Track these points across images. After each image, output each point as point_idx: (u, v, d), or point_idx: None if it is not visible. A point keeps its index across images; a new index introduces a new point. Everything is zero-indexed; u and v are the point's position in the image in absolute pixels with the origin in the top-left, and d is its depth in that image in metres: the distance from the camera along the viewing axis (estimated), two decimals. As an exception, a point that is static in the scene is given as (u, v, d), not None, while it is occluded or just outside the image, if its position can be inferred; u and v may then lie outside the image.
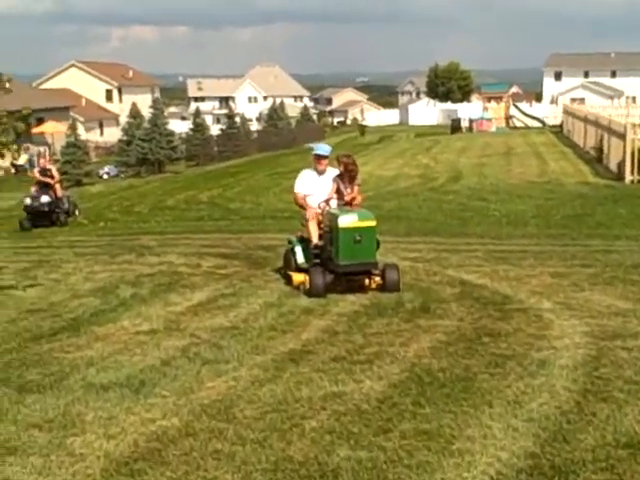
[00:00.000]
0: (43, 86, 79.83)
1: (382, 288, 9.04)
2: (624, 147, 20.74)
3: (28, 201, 19.11)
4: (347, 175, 9.65)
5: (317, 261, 9.40)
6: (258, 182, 27.24)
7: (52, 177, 19.61)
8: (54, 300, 9.66)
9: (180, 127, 54.54)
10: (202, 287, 10.01)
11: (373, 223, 9.00)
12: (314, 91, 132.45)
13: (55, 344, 7.49)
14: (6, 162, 48.33)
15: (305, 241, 9.75)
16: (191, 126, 46.63)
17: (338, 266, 8.89)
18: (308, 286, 8.98)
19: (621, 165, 21.08)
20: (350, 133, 73.24)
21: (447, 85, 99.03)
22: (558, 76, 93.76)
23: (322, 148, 10.18)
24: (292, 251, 9.90)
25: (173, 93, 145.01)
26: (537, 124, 62.48)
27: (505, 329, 7.25)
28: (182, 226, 17.16)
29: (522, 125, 63.04)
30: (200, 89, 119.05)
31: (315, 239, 9.49)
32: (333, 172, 9.92)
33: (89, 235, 16.78)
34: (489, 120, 57.50)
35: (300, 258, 9.71)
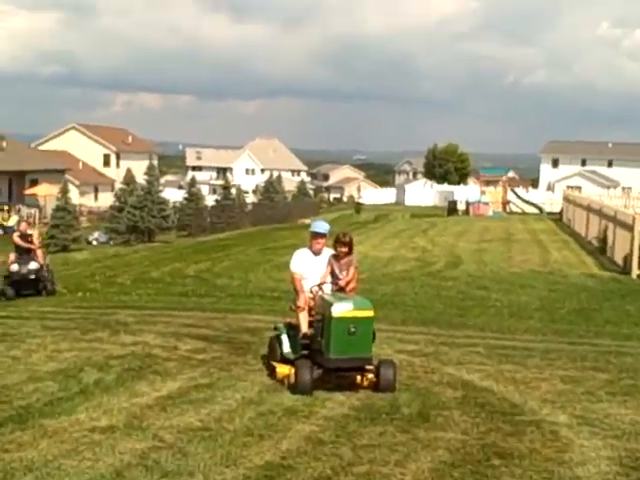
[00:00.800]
0: (42, 147, 79.82)
1: (375, 387, 8.05)
2: (632, 239, 19.92)
3: (15, 267, 17.84)
4: (344, 257, 8.80)
5: (305, 352, 8.44)
6: (248, 257, 26.36)
7: (32, 242, 18.56)
8: (7, 382, 8.60)
9: (176, 196, 54.06)
10: (175, 375, 8.99)
11: (371, 313, 8.06)
12: (312, 166, 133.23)
13: (-5, 440, 6.45)
14: (-5, 223, 47.78)
15: (293, 328, 8.79)
16: (185, 195, 46.04)
17: (328, 360, 7.91)
18: (293, 381, 7.98)
19: (627, 258, 20.26)
20: (346, 210, 72.86)
21: (444, 167, 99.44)
22: (555, 163, 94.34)
23: (320, 226, 9.14)
24: (278, 339, 8.93)
25: (172, 161, 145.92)
26: (534, 210, 62.30)
27: (518, 449, 6.25)
28: (164, 301, 16.17)
29: (519, 210, 62.84)
30: (199, 158, 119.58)
31: (304, 328, 8.54)
32: (329, 253, 9.03)
33: (64, 306, 15.76)
34: (486, 204, 57.14)
35: (286, 348, 8.74)
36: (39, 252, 18.60)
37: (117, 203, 39.48)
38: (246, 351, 10.40)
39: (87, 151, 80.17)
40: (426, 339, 11.60)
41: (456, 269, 21.52)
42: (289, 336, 8.77)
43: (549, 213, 56.32)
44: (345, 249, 8.73)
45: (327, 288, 8.69)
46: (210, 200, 55.55)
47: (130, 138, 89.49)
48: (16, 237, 18.48)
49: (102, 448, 6.18)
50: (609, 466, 5.92)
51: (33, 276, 17.85)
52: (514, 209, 63.42)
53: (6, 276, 17.86)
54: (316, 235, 8.97)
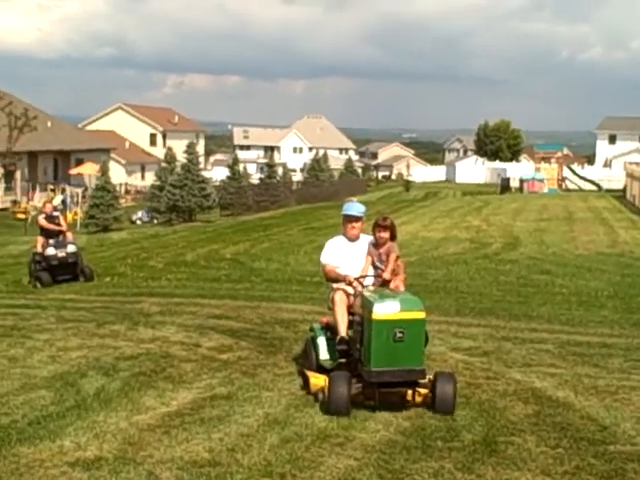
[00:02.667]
0: (89, 127, 79.65)
1: (430, 404, 6.55)
2: None
3: (52, 250, 16.28)
4: (384, 244, 7.36)
5: (343, 361, 6.98)
6: (290, 237, 24.91)
7: (59, 224, 17.24)
8: (-5, 391, 7.36)
9: (224, 174, 52.90)
10: (191, 382, 7.64)
11: (422, 315, 6.52)
12: (360, 145, 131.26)
13: (-48, 476, 5.16)
14: (39, 203, 47.29)
15: (332, 330, 7.33)
16: (228, 173, 44.80)
17: (369, 373, 6.41)
18: (327, 396, 6.52)
19: None
20: (394, 188, 71.03)
21: (496, 144, 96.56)
22: (612, 139, 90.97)
23: (353, 207, 7.70)
24: (313, 342, 7.47)
25: (222, 141, 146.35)
26: (591, 187, 59.78)
27: (621, 504, 4.70)
28: (194, 287, 14.85)
29: (575, 188, 60.38)
30: (246, 137, 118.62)
31: (342, 330, 7.07)
32: (368, 239, 7.57)
33: (87, 293, 14.55)
34: (541, 181, 54.75)
35: (323, 354, 7.26)
36: (69, 234, 17.34)
37: (158, 182, 38.43)
38: (277, 349, 9.03)
39: (134, 131, 79.82)
40: (485, 333, 10.08)
41: (514, 251, 19.76)
42: (327, 340, 7.31)
43: (608, 190, 53.81)
44: (386, 234, 7.29)
45: (368, 282, 7.21)
46: (257, 179, 54.33)
47: (176, 118, 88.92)
48: (42, 219, 16.99)
49: (78, 492, 4.83)
50: None
51: (72, 259, 16.42)
52: (570, 186, 60.95)
53: (38, 261, 16.37)
54: (350, 219, 7.55)
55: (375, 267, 7.38)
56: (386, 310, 6.34)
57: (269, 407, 6.69)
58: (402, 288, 7.20)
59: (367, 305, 6.51)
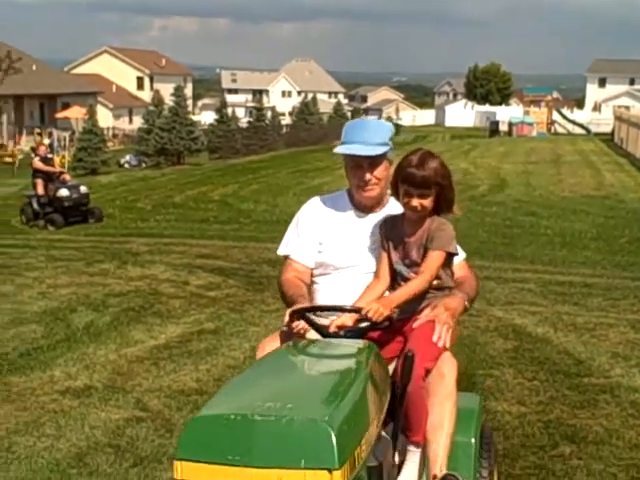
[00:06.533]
0: (75, 71, 78.50)
1: None
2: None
3: (65, 192, 15.82)
4: (421, 220, 3.05)
5: None
6: (278, 180, 24.89)
7: (53, 166, 17.09)
8: (-13, 325, 7.50)
9: (212, 118, 52.46)
10: (179, 317, 7.79)
11: None
12: (350, 88, 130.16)
13: (-55, 404, 5.31)
14: (26, 147, 46.91)
15: None
16: (216, 117, 44.44)
17: None
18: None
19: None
20: (384, 132, 70.59)
21: (486, 87, 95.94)
22: (602, 82, 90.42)
23: (363, 134, 3.21)
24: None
25: (209, 85, 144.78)
26: (580, 131, 59.73)
27: (592, 430, 4.86)
28: (183, 228, 14.92)
29: (564, 131, 60.32)
30: (234, 81, 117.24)
31: None
32: (394, 207, 3.27)
33: (76, 233, 14.62)
34: (530, 124, 54.66)
35: None
36: (67, 176, 17.17)
37: (146, 125, 38.07)
38: (265, 287, 9.17)
39: (120, 74, 78.65)
40: (469, 273, 10.23)
41: (501, 193, 19.89)
42: None
43: (597, 134, 53.80)
44: (424, 201, 2.98)
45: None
46: (245, 122, 53.91)
47: (164, 61, 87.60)
48: (37, 161, 16.49)
49: (69, 419, 5.00)
50: None
51: (85, 200, 16.17)
52: (559, 130, 60.87)
53: (44, 203, 15.93)
54: (357, 161, 3.21)
55: (396, 281, 3.13)
56: None
57: (255, 341, 6.82)
58: (442, 343, 2.91)
59: None
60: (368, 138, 3.17)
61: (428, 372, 2.82)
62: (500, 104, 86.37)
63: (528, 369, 6.14)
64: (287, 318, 2.93)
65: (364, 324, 2.88)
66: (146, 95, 77.41)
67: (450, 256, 3.05)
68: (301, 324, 2.92)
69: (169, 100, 38.57)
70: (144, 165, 38.02)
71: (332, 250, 3.24)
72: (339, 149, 3.20)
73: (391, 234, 3.11)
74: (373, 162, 3.15)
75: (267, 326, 7.34)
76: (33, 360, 6.33)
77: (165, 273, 10.14)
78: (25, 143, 47.92)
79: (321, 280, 3.27)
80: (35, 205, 15.96)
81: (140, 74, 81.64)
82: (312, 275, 3.29)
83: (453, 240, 3.02)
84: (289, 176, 26.16)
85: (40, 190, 16.02)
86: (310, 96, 66.66)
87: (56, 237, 14.12)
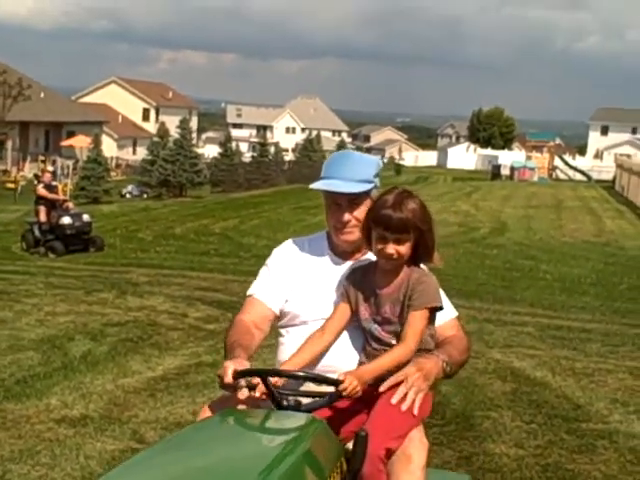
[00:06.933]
0: (82, 100, 79.13)
1: None
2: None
3: (68, 220, 15.87)
4: (396, 269, 2.64)
5: None
6: (280, 215, 25.01)
7: (57, 193, 17.15)
8: (-17, 352, 7.47)
9: (215, 152, 52.80)
10: (177, 349, 7.78)
11: None
12: (353, 127, 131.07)
13: (-59, 428, 5.28)
14: (30, 173, 47.12)
15: None
16: (220, 151, 44.77)
17: None
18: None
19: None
20: (385, 171, 71.04)
21: (489, 131, 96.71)
22: (604, 130, 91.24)
23: (342, 169, 2.81)
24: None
25: (215, 119, 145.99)
26: (581, 177, 60.07)
27: (591, 475, 4.82)
28: (183, 260, 14.95)
29: (565, 177, 60.65)
30: (239, 115, 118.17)
31: None
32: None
33: (76, 262, 14.65)
34: (532, 169, 55.03)
35: None
36: (70, 204, 17.23)
37: (150, 156, 38.36)
38: (263, 322, 9.13)
39: (127, 105, 79.34)
40: (468, 314, 10.21)
41: (502, 236, 19.99)
42: None
43: (598, 181, 54.12)
44: (400, 247, 2.58)
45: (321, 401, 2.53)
46: (249, 157, 54.27)
47: (170, 93, 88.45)
48: (42, 189, 16.49)
49: (64, 448, 4.96)
50: None
51: (87, 229, 16.21)
52: (561, 176, 61.23)
53: (45, 230, 15.96)
54: (336, 198, 2.81)
55: (367, 340, 2.73)
56: None
57: (253, 375, 6.83)
58: (407, 407, 2.47)
59: None
60: (349, 173, 2.77)
61: (391, 452, 2.36)
62: (503, 148, 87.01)
63: (526, 412, 6.11)
64: (229, 376, 2.41)
65: (318, 399, 2.46)
66: (151, 126, 78.03)
67: (434, 311, 2.64)
68: (258, 388, 2.43)
69: (174, 132, 38.92)
70: (145, 196, 38.23)
71: (300, 300, 2.81)
72: (315, 184, 2.84)
73: (361, 285, 2.69)
74: (353, 201, 2.77)
75: (265, 361, 7.32)
76: (29, 387, 6.30)
77: (164, 304, 10.13)
78: (29, 170, 48.14)
79: (286, 332, 2.87)
80: (36, 232, 15.99)
81: (146, 105, 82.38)
82: (278, 325, 2.89)
83: (437, 293, 2.63)
84: (290, 212, 26.27)
85: (42, 217, 16.06)
86: (314, 133, 67.15)
87: (56, 265, 14.14)
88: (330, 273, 2.84)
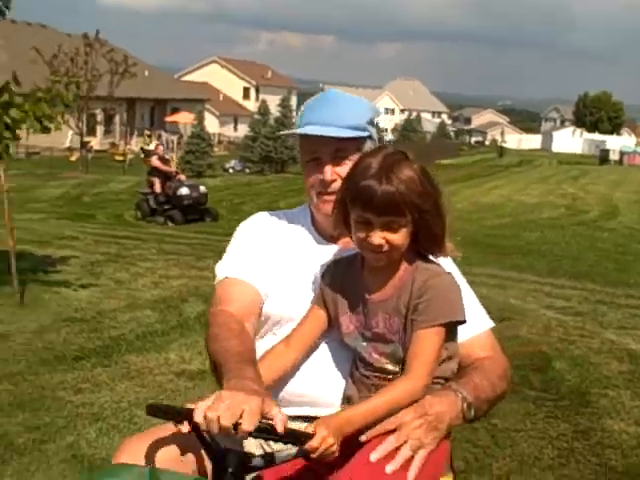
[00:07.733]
0: (184, 78, 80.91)
1: None
2: None
3: (185, 190, 16.34)
4: (391, 265, 1.78)
5: None
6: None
7: (170, 166, 17.63)
8: (104, 308, 7.77)
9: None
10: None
11: None
12: (453, 109, 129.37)
13: (69, 376, 5.52)
14: (136, 147, 48.56)
15: None
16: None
17: None
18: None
19: None
20: (487, 154, 69.81)
21: (596, 115, 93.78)
22: None
23: (320, 110, 2.02)
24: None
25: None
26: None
27: None
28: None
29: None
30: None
31: None
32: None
33: (186, 230, 15.03)
34: (642, 155, 53.07)
35: None
36: (182, 176, 17.73)
37: (252, 133, 38.93)
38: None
39: (227, 84, 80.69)
40: (580, 295, 9.96)
41: (613, 220, 19.34)
42: None
43: None
44: (392, 233, 1.71)
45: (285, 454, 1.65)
46: (347, 136, 54.32)
47: (270, 73, 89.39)
48: (156, 160, 17.01)
49: (185, 398, 5.11)
50: None
51: (204, 200, 16.70)
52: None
53: (162, 201, 16.45)
54: (314, 143, 1.96)
55: (358, 368, 1.87)
56: None
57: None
58: (394, 468, 1.63)
59: None
60: (334, 118, 1.93)
61: None
62: (611, 133, 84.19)
63: (645, 391, 5.91)
64: (199, 414, 1.52)
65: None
66: (251, 105, 79.10)
67: (453, 325, 1.78)
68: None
69: (274, 110, 39.34)
70: (248, 171, 38.87)
71: (272, 294, 2.00)
72: (285, 132, 2.20)
73: (342, 286, 1.85)
74: (338, 153, 1.93)
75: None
76: (149, 342, 6.52)
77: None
78: (136, 144, 49.67)
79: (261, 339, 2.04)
80: (152, 202, 16.50)
81: (247, 84, 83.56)
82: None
83: (456, 300, 1.75)
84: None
85: (158, 188, 16.56)
86: (414, 114, 66.57)
87: (167, 232, 14.54)
88: (311, 257, 2.01)
